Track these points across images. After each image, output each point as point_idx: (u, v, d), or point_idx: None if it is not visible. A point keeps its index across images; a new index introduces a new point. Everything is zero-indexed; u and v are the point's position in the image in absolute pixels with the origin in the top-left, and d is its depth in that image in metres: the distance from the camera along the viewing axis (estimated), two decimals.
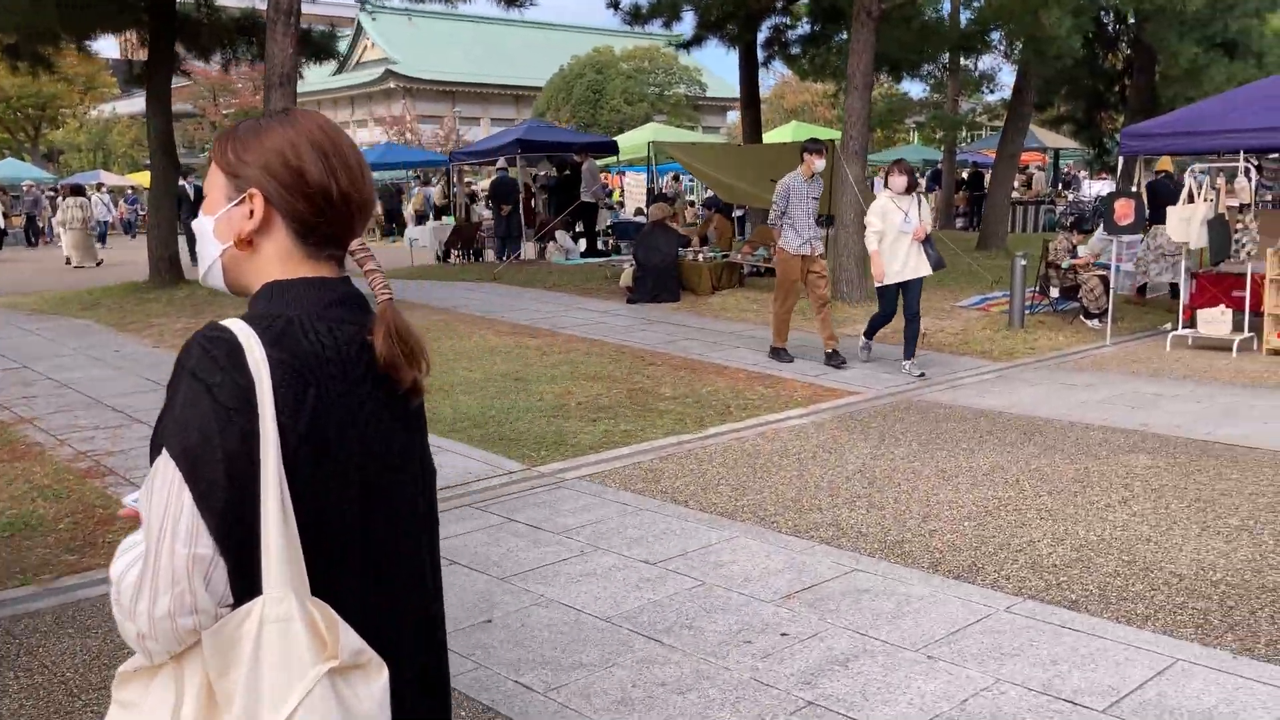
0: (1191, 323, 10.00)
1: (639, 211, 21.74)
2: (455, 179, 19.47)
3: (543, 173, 18.58)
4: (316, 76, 60.92)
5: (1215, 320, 9.71)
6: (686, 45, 16.90)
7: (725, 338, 10.51)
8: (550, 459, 6.27)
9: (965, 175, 27.29)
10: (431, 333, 10.37)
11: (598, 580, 4.37)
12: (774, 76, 50.67)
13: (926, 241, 8.52)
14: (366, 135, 52.55)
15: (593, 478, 5.90)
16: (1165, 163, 10.28)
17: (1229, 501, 5.27)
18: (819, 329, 9.17)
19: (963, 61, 23.69)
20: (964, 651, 3.65)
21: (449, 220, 19.05)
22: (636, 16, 15.41)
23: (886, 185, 8.77)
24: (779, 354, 9.26)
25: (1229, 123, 9.49)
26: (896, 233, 8.47)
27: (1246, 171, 9.60)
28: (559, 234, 17.02)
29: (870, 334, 9.09)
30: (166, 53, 13.98)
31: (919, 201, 8.67)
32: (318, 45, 14.57)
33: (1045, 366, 9.16)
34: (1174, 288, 11.94)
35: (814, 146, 9.10)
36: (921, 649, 3.68)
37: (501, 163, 16.74)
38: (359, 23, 57.63)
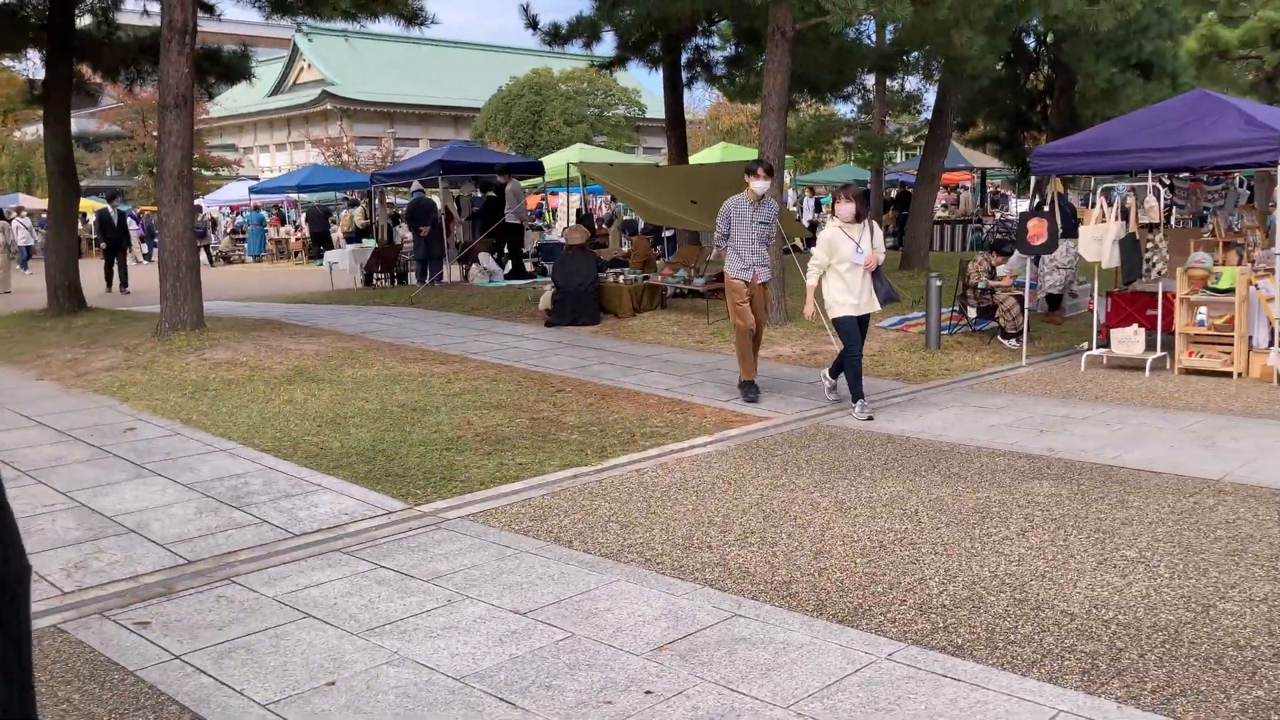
0: (1106, 342, 9.96)
1: None
2: (377, 200, 19.06)
3: (472, 194, 18.23)
4: (252, 98, 60.31)
5: (1128, 340, 9.67)
6: (608, 66, 16.71)
7: (640, 361, 10.27)
8: (436, 496, 5.96)
9: (894, 195, 27.48)
10: (333, 360, 9.99)
11: (460, 634, 4.07)
12: (711, 97, 50.91)
13: (876, 273, 7.95)
14: (303, 157, 51.92)
15: (476, 517, 5.60)
16: (1057, 183, 10.27)
17: (1129, 531, 5.11)
18: None
19: (889, 82, 23.87)
20: (837, 708, 3.41)
21: (369, 243, 18.64)
22: (556, 37, 15.18)
23: (834, 213, 8.24)
24: (745, 389, 8.55)
25: (1138, 142, 9.49)
26: (849, 264, 7.86)
27: (1156, 191, 9.60)
28: (482, 256, 16.71)
29: (854, 388, 7.97)
30: (65, 73, 13.46)
31: (870, 229, 8.01)
32: (227, 66, 14.14)
33: (959, 388, 9.04)
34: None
35: (751, 167, 8.54)
36: (792, 705, 3.43)
37: (417, 185, 16.40)
38: (295, 44, 57.03)
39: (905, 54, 14.13)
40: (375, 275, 17.96)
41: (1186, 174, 11.90)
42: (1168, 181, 12.21)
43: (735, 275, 8.52)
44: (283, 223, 31.14)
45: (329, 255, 18.29)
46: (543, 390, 8.87)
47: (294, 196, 30.13)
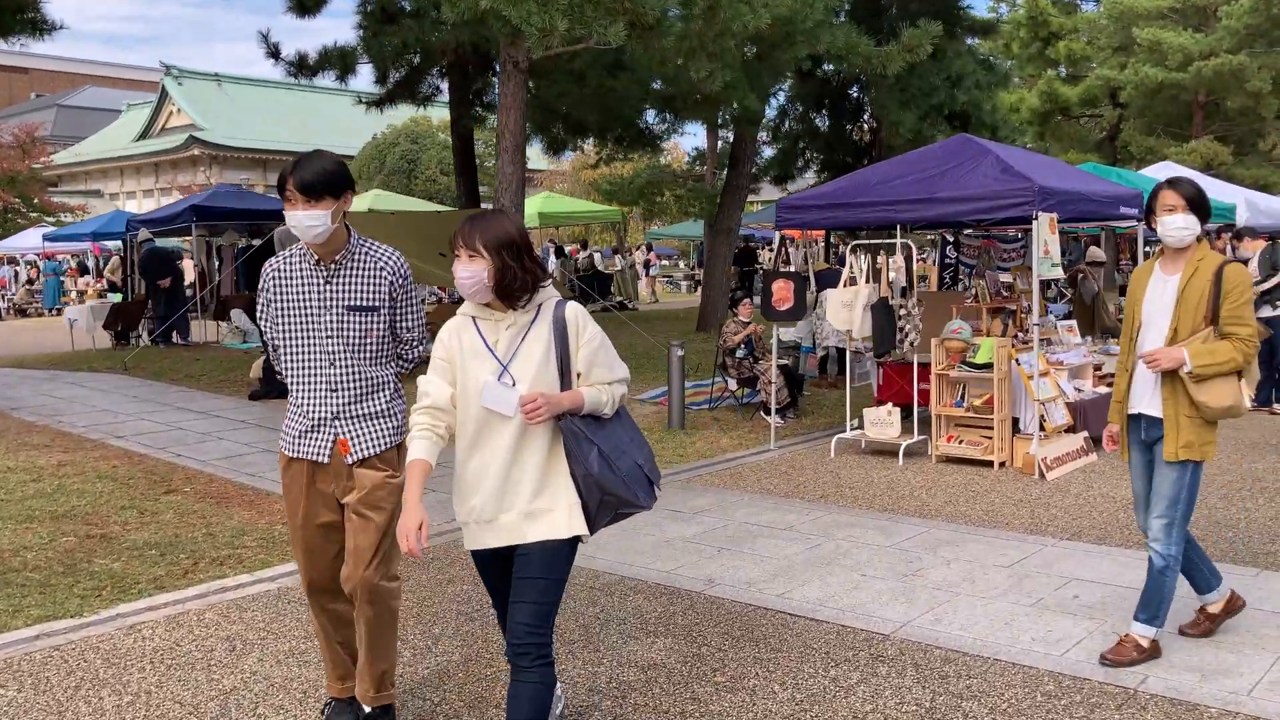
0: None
1: None
2: (133, 250, 16.99)
3: (235, 243, 16.31)
4: (118, 143, 57.22)
5: (881, 421, 8.33)
6: (377, 104, 15.05)
7: None
8: None
9: (737, 249, 26.38)
10: None
11: None
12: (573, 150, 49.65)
13: (585, 439, 3.00)
14: (169, 204, 49.18)
15: None
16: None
17: None
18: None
19: (720, 134, 22.79)
20: None
21: (114, 297, 16.55)
22: (303, 68, 13.52)
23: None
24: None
25: (888, 193, 8.19)
26: (478, 414, 3.03)
27: (904, 248, 8.33)
28: (234, 313, 14.78)
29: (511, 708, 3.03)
30: None
31: (555, 323, 3.04)
32: None
33: (675, 482, 7.50)
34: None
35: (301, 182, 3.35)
36: None
37: (145, 234, 14.47)
38: (164, 88, 54.52)
39: (680, 95, 12.83)
40: (131, 333, 15.88)
41: (971, 230, 10.77)
42: (952, 238, 11.06)
43: (288, 451, 3.52)
44: (83, 273, 28.55)
45: (69, 311, 16.13)
46: (149, 491, 7.06)
47: (106, 245, 27.64)
